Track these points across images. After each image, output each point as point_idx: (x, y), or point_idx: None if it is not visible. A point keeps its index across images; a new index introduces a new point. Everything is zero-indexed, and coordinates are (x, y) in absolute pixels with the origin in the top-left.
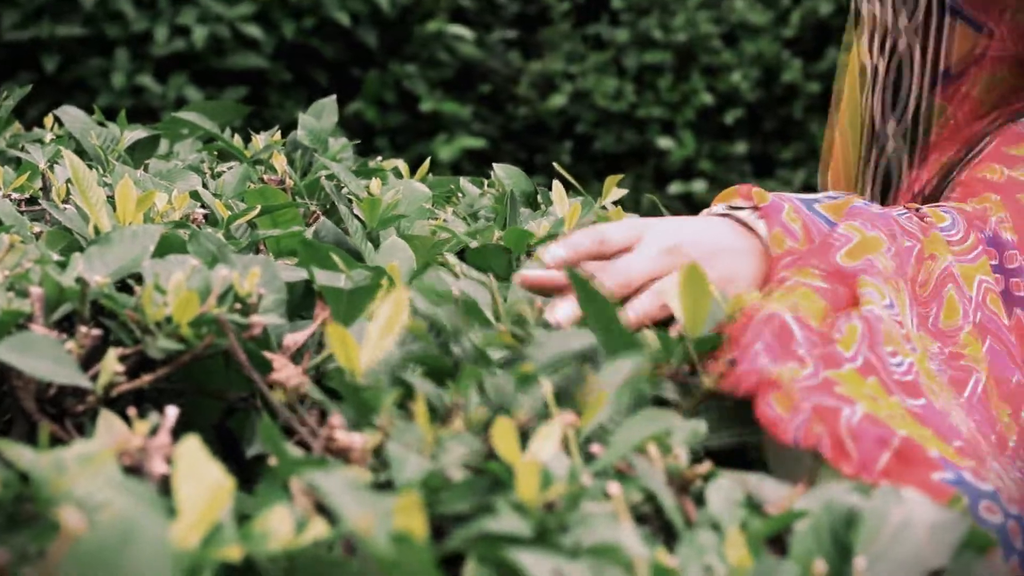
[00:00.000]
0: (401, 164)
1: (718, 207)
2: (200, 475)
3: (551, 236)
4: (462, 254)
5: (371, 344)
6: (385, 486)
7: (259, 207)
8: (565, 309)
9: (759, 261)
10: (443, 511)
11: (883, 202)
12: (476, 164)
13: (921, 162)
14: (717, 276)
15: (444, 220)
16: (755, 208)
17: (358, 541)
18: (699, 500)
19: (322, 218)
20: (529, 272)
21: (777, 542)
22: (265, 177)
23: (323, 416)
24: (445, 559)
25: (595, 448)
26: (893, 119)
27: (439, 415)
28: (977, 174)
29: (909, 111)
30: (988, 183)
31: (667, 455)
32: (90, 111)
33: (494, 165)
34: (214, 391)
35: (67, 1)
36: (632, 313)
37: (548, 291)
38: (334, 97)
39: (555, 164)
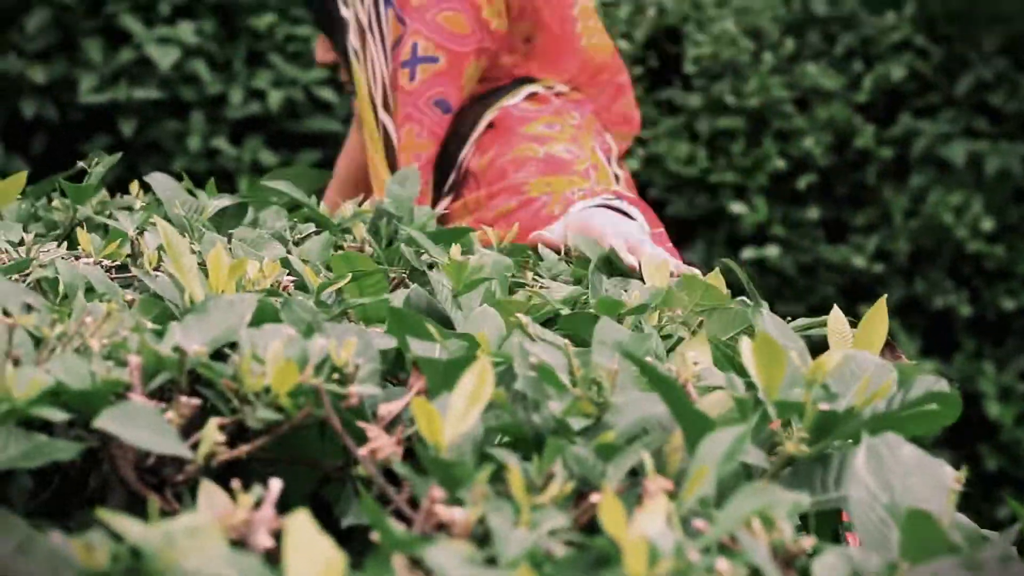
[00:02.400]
0: (491, 232)
1: (596, 200)
2: (311, 550)
3: (642, 306)
4: (553, 321)
5: (456, 417)
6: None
7: (349, 275)
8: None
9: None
10: None
11: (390, 164)
12: None
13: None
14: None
15: (535, 285)
16: (621, 199)
17: None
18: (803, 575)
19: (413, 285)
20: (545, 236)
21: None
22: (345, 244)
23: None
24: None
25: (698, 523)
26: (379, 97)
27: (526, 487)
28: (520, 155)
29: (380, 87)
30: (537, 160)
31: (771, 529)
32: (171, 174)
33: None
34: (309, 460)
35: (144, 65)
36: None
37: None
38: (416, 166)
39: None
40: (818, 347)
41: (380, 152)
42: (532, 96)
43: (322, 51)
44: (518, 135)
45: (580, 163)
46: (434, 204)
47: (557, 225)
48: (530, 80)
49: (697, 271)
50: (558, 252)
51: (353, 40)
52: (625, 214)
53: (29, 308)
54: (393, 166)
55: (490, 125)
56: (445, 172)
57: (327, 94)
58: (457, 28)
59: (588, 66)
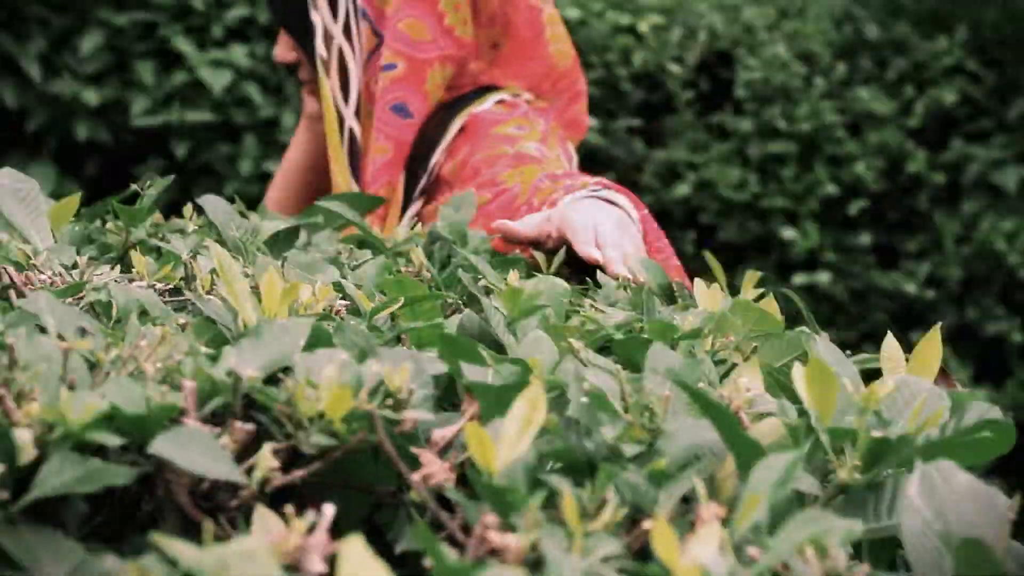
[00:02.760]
0: (539, 255)
1: (583, 192)
2: (365, 575)
3: (696, 331)
4: (608, 348)
5: (508, 443)
6: None
7: (402, 299)
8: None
9: (637, 227)
10: None
11: (354, 169)
12: None
13: (368, 136)
14: (634, 238)
15: (590, 309)
16: (606, 188)
17: None
18: None
19: (467, 310)
20: (509, 224)
21: None
22: (403, 269)
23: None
24: None
25: (751, 550)
26: (347, 103)
27: (579, 513)
28: (491, 153)
29: (355, 95)
30: (508, 156)
31: (824, 557)
32: (223, 197)
33: (632, 257)
34: (362, 485)
35: (197, 87)
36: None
37: (519, 241)
38: (472, 190)
39: (706, 254)
40: (873, 379)
41: (340, 160)
42: (500, 103)
43: (283, 50)
44: (489, 136)
45: (549, 163)
46: (405, 208)
47: (534, 217)
48: (495, 88)
49: (668, 265)
50: (526, 244)
51: (319, 46)
52: (612, 203)
53: (84, 332)
54: (356, 172)
55: (460, 130)
56: (417, 176)
57: None
58: (417, 35)
59: (552, 72)
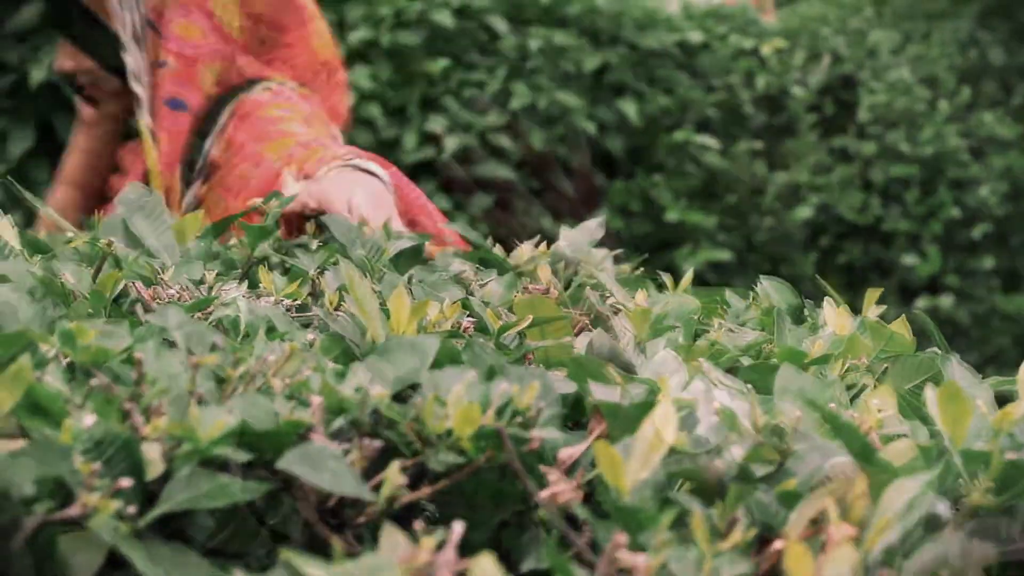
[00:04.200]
0: (666, 276)
1: (337, 163)
2: None
3: (826, 356)
4: (736, 369)
5: (638, 461)
6: None
7: (531, 318)
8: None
9: (392, 193)
10: None
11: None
12: (720, 274)
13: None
14: (389, 207)
15: (721, 330)
16: (358, 157)
17: None
18: None
19: (597, 330)
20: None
21: None
22: (530, 287)
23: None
24: None
25: (884, 573)
26: (140, 107)
27: (709, 533)
28: (257, 133)
29: (147, 98)
30: (272, 133)
31: None
32: None
33: (760, 278)
34: (488, 503)
35: None
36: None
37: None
38: (603, 218)
39: (817, 277)
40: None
41: (153, 164)
42: (267, 90)
43: (65, 58)
44: (256, 119)
45: (310, 139)
46: (183, 193)
47: (296, 186)
48: (263, 79)
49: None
50: (294, 218)
51: (128, 57)
52: (366, 171)
53: (214, 347)
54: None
55: (231, 115)
56: (193, 162)
57: (502, 140)
58: (188, 34)
59: (314, 64)
